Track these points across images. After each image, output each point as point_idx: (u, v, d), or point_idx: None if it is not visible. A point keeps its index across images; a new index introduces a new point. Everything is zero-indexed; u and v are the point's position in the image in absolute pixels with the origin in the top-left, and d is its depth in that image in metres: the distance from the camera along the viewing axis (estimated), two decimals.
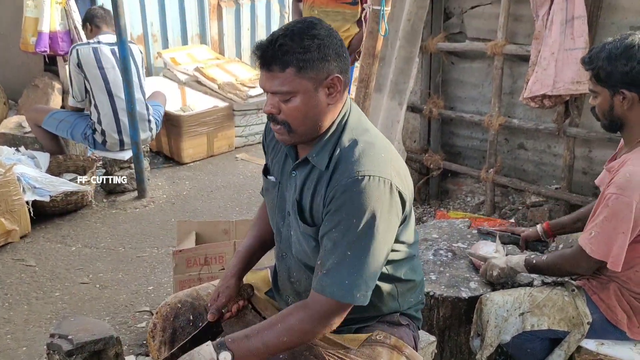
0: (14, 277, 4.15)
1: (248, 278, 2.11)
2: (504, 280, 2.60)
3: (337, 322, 1.65)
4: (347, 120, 1.73)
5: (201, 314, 1.99)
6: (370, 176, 1.58)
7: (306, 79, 1.60)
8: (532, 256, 2.47)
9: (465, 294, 2.61)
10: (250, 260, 2.03)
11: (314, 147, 1.71)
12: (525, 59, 4.22)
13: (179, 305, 1.99)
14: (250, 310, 2.01)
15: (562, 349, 2.33)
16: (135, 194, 5.64)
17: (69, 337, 2.34)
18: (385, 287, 1.84)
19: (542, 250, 2.77)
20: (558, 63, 3.82)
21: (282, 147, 1.84)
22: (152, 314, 3.49)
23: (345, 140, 1.68)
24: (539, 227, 2.79)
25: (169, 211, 5.31)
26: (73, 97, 5.43)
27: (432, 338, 2.25)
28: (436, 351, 2.29)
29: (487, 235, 3.01)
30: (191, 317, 1.98)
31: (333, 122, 1.70)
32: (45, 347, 3.16)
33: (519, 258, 2.49)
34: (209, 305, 1.92)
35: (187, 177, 6.17)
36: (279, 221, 1.86)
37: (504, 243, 2.87)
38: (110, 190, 5.69)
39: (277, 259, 1.94)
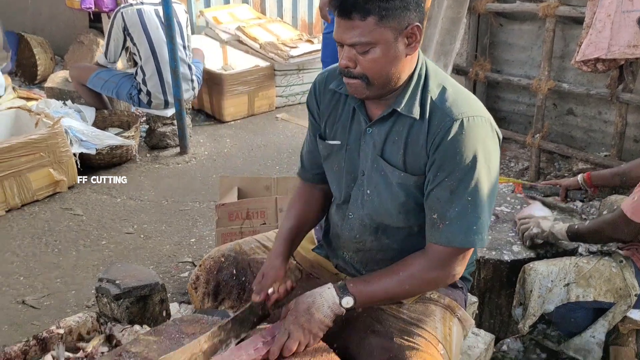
0: (62, 225, 4.31)
1: None
2: (540, 242, 2.57)
3: (461, 270, 1.66)
4: (426, 68, 1.68)
5: (244, 268, 2.02)
6: (471, 117, 1.56)
7: (387, 28, 1.53)
8: (576, 224, 2.42)
9: (507, 257, 2.58)
10: (293, 242, 1.94)
11: (396, 99, 1.65)
12: (578, 21, 4.06)
13: (222, 259, 2.03)
14: (296, 266, 2.00)
15: (606, 319, 2.30)
16: (178, 150, 5.72)
17: (117, 281, 2.42)
18: None
19: (582, 199, 2.74)
20: (614, 25, 3.65)
21: (345, 108, 1.78)
22: (195, 265, 3.60)
23: (433, 86, 1.64)
24: (579, 176, 2.75)
25: (210, 167, 5.39)
26: (106, 56, 5.47)
27: (474, 299, 2.25)
28: (477, 312, 2.29)
29: (530, 189, 2.99)
30: (234, 271, 2.01)
31: (413, 72, 1.64)
32: (93, 291, 3.30)
33: (562, 226, 2.45)
34: (252, 285, 1.85)
35: (228, 135, 6.22)
36: (348, 184, 1.80)
37: (545, 195, 2.88)
38: (153, 146, 5.79)
39: (339, 219, 1.89)
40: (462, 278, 1.91)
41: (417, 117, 1.61)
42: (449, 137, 1.55)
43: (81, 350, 2.21)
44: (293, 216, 1.97)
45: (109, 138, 5.16)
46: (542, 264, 2.40)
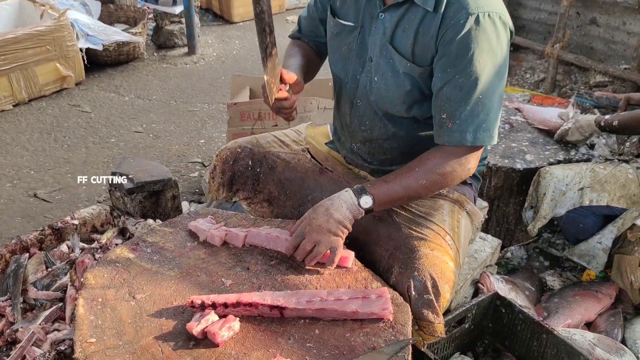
0: (71, 121, 4.28)
1: (308, 132, 2.12)
2: (582, 139, 2.57)
3: (475, 164, 1.64)
4: None
5: (259, 160, 2.01)
6: (488, 12, 1.49)
7: None
8: (607, 116, 2.40)
9: (520, 165, 2.57)
10: (303, 72, 1.85)
11: None
12: None
13: (239, 150, 2.02)
14: (310, 160, 2.02)
15: (615, 225, 2.32)
16: (186, 49, 5.59)
17: (130, 176, 2.43)
18: None
19: None
20: None
21: None
22: (204, 166, 3.60)
23: None
24: None
25: (219, 69, 5.28)
26: None
27: (485, 204, 2.26)
28: (486, 217, 2.30)
29: (582, 97, 2.96)
30: (249, 162, 2.01)
31: None
32: (104, 186, 3.34)
33: (586, 119, 2.43)
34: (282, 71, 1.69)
35: (236, 36, 6.05)
36: (355, 68, 1.75)
37: (600, 107, 2.84)
38: (160, 45, 5.65)
39: (346, 107, 1.84)
40: (472, 175, 1.91)
41: (431, 9, 1.56)
42: (463, 32, 1.49)
43: (95, 242, 2.25)
44: (298, 57, 1.90)
45: (116, 34, 5.02)
46: (559, 167, 2.39)
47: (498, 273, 2.47)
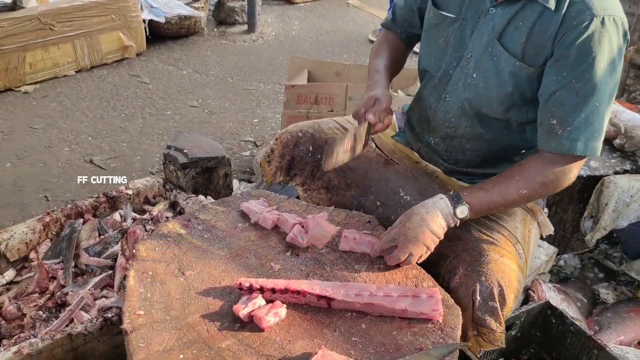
0: (130, 91, 4.36)
1: None
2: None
3: (576, 174, 1.55)
4: None
5: (321, 146, 1.96)
6: (612, 16, 1.41)
7: None
8: None
9: (583, 172, 2.46)
10: (389, 78, 1.85)
11: None
12: None
13: (300, 135, 1.98)
14: (375, 150, 1.98)
15: None
16: (245, 27, 5.60)
17: (185, 150, 2.45)
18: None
19: None
20: None
21: None
22: (257, 145, 3.61)
23: None
24: None
25: (277, 49, 5.27)
26: None
27: (545, 209, 2.17)
28: None
29: None
30: (311, 148, 1.97)
31: None
32: (157, 158, 3.39)
33: None
34: (362, 111, 1.69)
35: (296, 17, 6.03)
36: (450, 62, 1.68)
37: None
38: (221, 21, 5.68)
39: (431, 100, 1.77)
40: None
41: (552, 8, 1.45)
42: (586, 34, 1.39)
43: (147, 213, 2.28)
44: (385, 56, 1.88)
45: (179, 7, 5.08)
46: (624, 177, 2.28)
47: (550, 281, 2.39)
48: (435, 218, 1.48)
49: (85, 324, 1.66)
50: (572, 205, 2.55)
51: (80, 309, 1.82)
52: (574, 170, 1.53)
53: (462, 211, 1.49)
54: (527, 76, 1.52)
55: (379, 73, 1.82)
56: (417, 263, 1.52)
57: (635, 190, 2.21)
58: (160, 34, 5.14)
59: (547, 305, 1.95)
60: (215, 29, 5.58)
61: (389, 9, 3.93)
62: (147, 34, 4.90)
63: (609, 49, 1.40)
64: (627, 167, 2.45)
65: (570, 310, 2.14)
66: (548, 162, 1.50)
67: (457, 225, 1.51)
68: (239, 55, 5.10)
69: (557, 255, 2.62)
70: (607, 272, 2.56)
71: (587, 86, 1.41)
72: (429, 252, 1.50)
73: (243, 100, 4.32)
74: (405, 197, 1.81)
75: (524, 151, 1.70)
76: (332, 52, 5.26)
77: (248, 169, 3.36)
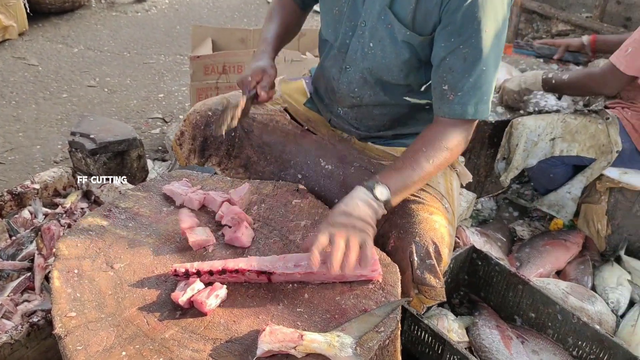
0: (17, 75, 4.03)
1: (282, 89, 2.02)
2: (521, 104, 2.53)
3: (470, 135, 1.58)
4: None
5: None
6: None
7: None
8: (550, 74, 2.38)
9: (491, 117, 2.57)
10: (278, 47, 1.83)
11: None
12: None
13: (210, 114, 1.89)
14: (290, 121, 1.95)
15: (584, 175, 2.37)
16: None
17: (91, 136, 2.30)
18: None
19: (578, 62, 2.70)
20: None
21: None
22: (165, 122, 3.48)
23: None
24: (584, 38, 2.70)
25: (173, 17, 5.04)
26: None
27: (462, 158, 2.25)
28: None
29: (521, 48, 2.93)
30: None
31: None
32: (60, 145, 3.18)
33: (534, 76, 2.41)
34: (248, 79, 1.68)
35: None
36: (346, 32, 1.66)
37: (541, 56, 2.82)
38: None
39: (334, 72, 1.76)
40: None
41: None
42: (471, 0, 1.41)
43: (59, 206, 2.15)
44: (277, 22, 1.85)
45: None
46: (531, 118, 2.40)
47: (472, 226, 2.50)
48: (355, 207, 1.40)
49: (10, 333, 1.56)
50: (484, 150, 2.67)
51: (2, 317, 1.70)
52: (471, 133, 1.57)
53: (382, 192, 1.44)
54: (420, 44, 1.54)
55: (267, 42, 1.80)
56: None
57: (542, 129, 2.34)
58: (42, 10, 4.76)
59: (473, 249, 2.05)
60: (103, 1, 5.23)
61: None
62: (28, 11, 4.51)
63: (493, 11, 1.42)
64: (530, 109, 2.58)
65: (493, 250, 2.26)
66: (445, 127, 1.53)
67: (386, 210, 1.45)
68: (133, 27, 4.83)
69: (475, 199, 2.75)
70: (521, 210, 2.72)
71: (474, 51, 1.44)
72: (364, 236, 1.35)
73: (144, 75, 4.12)
74: (326, 166, 1.80)
75: (428, 107, 1.73)
76: (231, 17, 5.11)
77: (160, 147, 3.24)
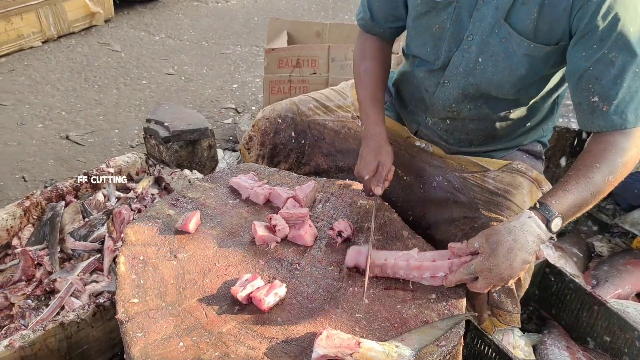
0: (101, 60, 4.19)
1: (352, 94, 1.89)
2: None
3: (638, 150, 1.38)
4: None
5: (304, 131, 1.85)
6: None
7: None
8: None
9: (575, 125, 2.42)
10: (383, 103, 1.69)
11: None
12: None
13: (279, 121, 1.86)
14: None
15: None
16: None
17: (165, 124, 2.35)
18: (544, 111, 1.62)
19: None
20: None
21: None
22: (238, 112, 3.51)
23: None
24: None
25: (252, 9, 5.10)
26: None
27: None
28: None
29: None
30: (293, 134, 1.86)
31: None
32: (136, 130, 3.28)
33: None
34: (365, 178, 1.56)
35: None
36: (450, 48, 1.53)
37: None
38: None
39: (428, 84, 1.64)
40: (542, 143, 1.78)
41: None
42: (607, 0, 1.28)
43: (132, 191, 2.20)
44: (374, 81, 1.68)
45: None
46: None
47: None
48: (525, 246, 1.26)
49: (77, 311, 1.60)
50: (565, 160, 2.53)
51: (71, 296, 1.76)
52: (637, 144, 1.37)
53: (557, 224, 1.28)
54: (544, 55, 1.41)
55: (374, 106, 1.64)
56: None
57: None
58: None
59: (546, 264, 1.93)
60: None
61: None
62: None
63: (633, 7, 1.29)
64: None
65: (568, 266, 2.13)
66: (610, 141, 1.36)
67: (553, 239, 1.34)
68: (212, 18, 4.92)
69: None
70: (600, 225, 2.56)
71: (622, 54, 1.30)
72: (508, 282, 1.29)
73: (220, 65, 4.19)
74: (405, 177, 1.72)
75: (528, 124, 1.62)
76: (308, 11, 5.11)
77: (231, 137, 3.27)
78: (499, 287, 1.29)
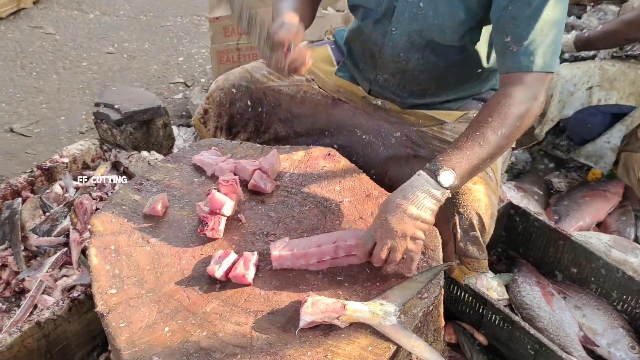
0: (35, 45, 3.99)
1: None
2: None
3: (544, 96, 1.37)
4: None
5: (259, 98, 1.82)
6: None
7: None
8: (584, 31, 2.26)
9: None
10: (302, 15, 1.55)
11: None
12: None
13: (234, 91, 1.83)
14: (319, 91, 1.81)
15: (624, 124, 2.28)
16: None
17: (116, 106, 2.28)
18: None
19: None
20: None
21: None
22: (187, 86, 3.43)
23: None
24: None
25: None
26: None
27: None
28: None
29: None
30: (249, 102, 1.83)
31: None
32: (84, 115, 3.16)
33: (567, 37, 2.29)
34: (279, 35, 1.38)
35: None
36: None
37: None
38: None
39: (376, 36, 1.62)
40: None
41: None
42: None
43: (90, 179, 2.14)
44: (292, 7, 1.55)
45: None
46: (566, 67, 2.29)
47: (507, 180, 2.44)
48: (414, 200, 1.24)
49: (52, 308, 1.57)
50: None
51: (42, 293, 1.71)
52: (543, 93, 1.36)
53: (447, 177, 1.26)
54: (478, 1, 1.41)
55: (286, 5, 1.54)
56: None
57: (578, 79, 2.24)
58: None
59: (510, 205, 1.99)
60: None
61: None
62: None
63: None
64: (566, 56, 2.46)
65: (531, 205, 2.20)
66: (513, 90, 1.34)
67: (451, 194, 1.29)
68: None
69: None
70: (556, 161, 2.64)
71: None
72: (420, 242, 1.26)
73: (162, 38, 4.05)
74: (363, 136, 1.72)
75: (479, 71, 1.63)
76: None
77: (184, 113, 3.20)
78: (398, 251, 1.24)
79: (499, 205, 1.98)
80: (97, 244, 1.37)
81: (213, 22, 2.83)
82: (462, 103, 1.70)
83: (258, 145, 1.72)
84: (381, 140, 1.69)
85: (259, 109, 1.82)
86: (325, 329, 1.17)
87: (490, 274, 1.93)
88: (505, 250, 2.09)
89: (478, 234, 1.47)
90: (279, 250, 1.31)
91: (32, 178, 2.09)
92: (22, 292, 1.76)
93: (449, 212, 1.47)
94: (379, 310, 1.19)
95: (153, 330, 1.18)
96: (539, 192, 2.37)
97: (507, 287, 1.91)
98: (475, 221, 1.46)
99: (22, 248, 1.85)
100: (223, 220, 1.40)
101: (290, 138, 1.83)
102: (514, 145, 2.35)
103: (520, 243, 2.03)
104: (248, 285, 1.27)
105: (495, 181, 1.58)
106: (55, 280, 1.75)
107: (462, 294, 1.74)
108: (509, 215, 2.01)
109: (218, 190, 1.45)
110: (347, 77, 1.82)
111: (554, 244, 1.90)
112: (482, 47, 1.56)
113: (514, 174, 2.57)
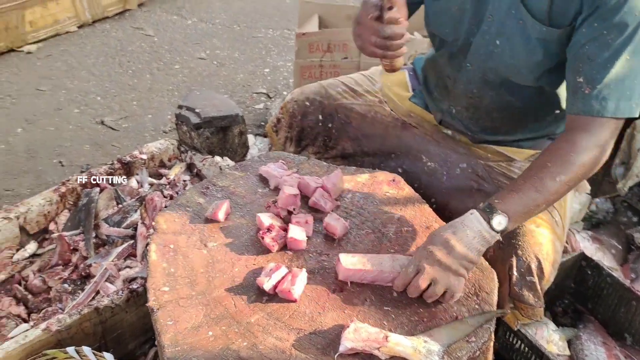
0: (135, 45, 4.23)
1: (383, 81, 1.89)
2: None
3: (612, 144, 1.32)
4: None
5: (331, 114, 1.84)
6: None
7: None
8: None
9: None
10: None
11: None
12: None
13: (307, 104, 1.86)
14: (390, 113, 1.79)
15: None
16: None
17: (197, 110, 2.36)
18: None
19: None
20: None
21: None
22: (269, 97, 3.50)
23: None
24: None
25: None
26: None
27: None
28: None
29: None
30: (320, 117, 1.86)
31: None
32: (169, 116, 3.31)
33: None
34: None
35: None
36: (470, 29, 1.48)
37: None
38: None
39: (451, 69, 1.60)
40: None
41: None
42: None
43: (164, 177, 2.23)
44: None
45: None
46: None
47: (583, 228, 2.32)
48: (463, 237, 1.23)
49: (112, 297, 1.64)
50: None
51: (105, 281, 1.79)
52: (610, 142, 1.30)
53: (500, 222, 1.24)
54: (557, 39, 1.35)
55: None
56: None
57: None
58: None
59: (582, 256, 1.89)
60: None
61: None
62: None
63: None
64: None
65: (606, 259, 2.08)
66: (579, 135, 1.29)
67: (500, 240, 1.27)
68: (244, 1, 4.91)
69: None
70: None
71: (620, 37, 1.23)
72: (462, 281, 1.25)
73: (252, 49, 4.18)
74: (429, 163, 1.70)
75: (557, 111, 1.56)
76: None
77: (262, 123, 3.27)
78: (440, 284, 1.22)
79: (570, 255, 1.88)
80: (158, 241, 1.42)
81: (299, 38, 2.89)
82: (535, 142, 1.64)
83: (324, 163, 1.73)
84: (445, 169, 1.66)
85: (329, 125, 1.84)
86: (364, 358, 1.15)
87: (553, 326, 1.83)
88: (573, 304, 1.98)
89: (536, 279, 1.40)
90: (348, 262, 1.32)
91: (111, 170, 2.20)
92: (87, 277, 1.85)
93: (507, 252, 1.41)
94: (422, 347, 1.15)
95: (197, 333, 1.20)
96: (618, 246, 2.23)
97: (569, 342, 1.80)
98: (534, 266, 1.39)
99: (94, 235, 1.95)
100: (284, 238, 1.41)
101: (356, 156, 1.84)
102: (589, 192, 2.23)
103: (589, 298, 1.91)
104: (294, 301, 1.27)
105: (562, 227, 1.51)
106: (119, 270, 1.82)
107: (517, 341, 1.66)
108: (580, 266, 1.90)
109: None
110: (420, 104, 1.81)
111: (626, 303, 1.78)
112: (561, 88, 1.49)
113: (592, 223, 2.43)
